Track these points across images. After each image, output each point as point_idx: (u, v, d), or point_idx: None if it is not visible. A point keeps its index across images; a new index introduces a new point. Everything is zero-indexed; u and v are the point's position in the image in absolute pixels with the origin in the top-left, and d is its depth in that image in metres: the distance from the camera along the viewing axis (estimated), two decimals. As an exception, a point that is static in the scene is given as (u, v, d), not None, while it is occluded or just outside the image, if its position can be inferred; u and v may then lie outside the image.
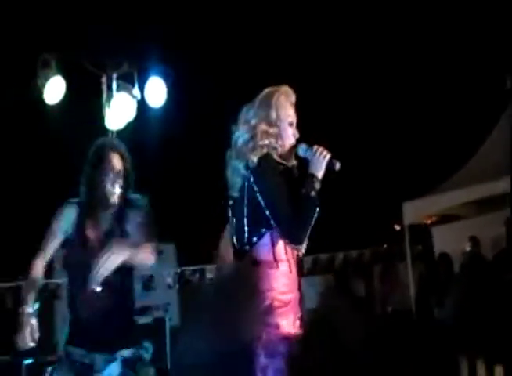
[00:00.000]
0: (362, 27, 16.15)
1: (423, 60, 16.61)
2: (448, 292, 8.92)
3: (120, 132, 5.85)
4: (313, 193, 2.76)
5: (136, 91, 5.59)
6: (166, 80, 5.69)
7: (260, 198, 2.78)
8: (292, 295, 2.78)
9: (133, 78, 5.60)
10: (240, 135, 2.90)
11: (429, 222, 10.79)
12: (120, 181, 3.41)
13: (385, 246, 13.80)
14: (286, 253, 2.80)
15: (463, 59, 15.99)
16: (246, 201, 2.86)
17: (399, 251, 10.93)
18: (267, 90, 2.97)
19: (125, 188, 3.43)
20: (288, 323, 2.73)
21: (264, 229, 2.79)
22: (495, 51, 13.65)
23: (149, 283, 11.76)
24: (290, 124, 2.94)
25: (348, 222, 16.48)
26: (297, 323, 2.79)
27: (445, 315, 8.91)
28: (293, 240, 2.76)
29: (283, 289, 2.76)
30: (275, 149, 2.88)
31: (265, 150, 2.83)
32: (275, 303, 2.72)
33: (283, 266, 2.79)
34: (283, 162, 2.88)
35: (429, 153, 16.46)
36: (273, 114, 2.89)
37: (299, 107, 3.03)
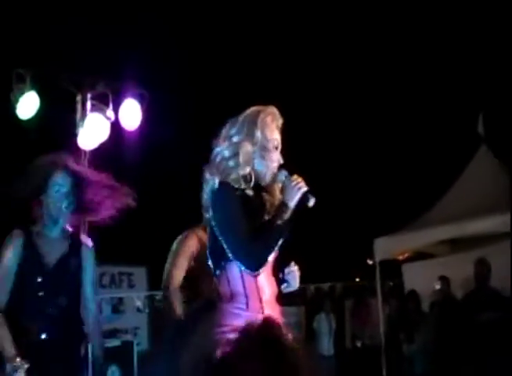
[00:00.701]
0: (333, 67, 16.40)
1: (396, 102, 16.88)
2: (418, 329, 8.92)
3: (92, 152, 5.80)
4: (279, 221, 2.67)
5: (110, 112, 5.55)
6: (141, 103, 5.67)
7: (215, 226, 2.72)
8: None
9: (108, 99, 5.57)
10: (220, 150, 2.79)
11: (401, 258, 10.80)
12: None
13: (357, 280, 13.83)
14: (244, 287, 2.69)
15: (437, 101, 16.27)
16: (208, 232, 2.81)
17: (371, 287, 10.93)
18: (253, 108, 2.86)
19: None
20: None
21: (222, 262, 2.72)
22: (468, 94, 13.93)
23: (118, 306, 11.62)
24: (275, 148, 2.83)
25: (323, 255, 16.50)
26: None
27: (414, 352, 8.91)
28: (247, 265, 2.65)
29: (232, 326, 2.63)
30: (249, 168, 2.78)
31: (233, 175, 2.74)
32: (223, 340, 2.61)
33: (239, 302, 2.69)
34: (243, 187, 2.77)
35: (404, 190, 16.60)
36: (258, 134, 2.78)
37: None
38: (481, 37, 15.53)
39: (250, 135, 2.78)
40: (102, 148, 5.82)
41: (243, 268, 2.66)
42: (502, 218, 7.98)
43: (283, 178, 2.81)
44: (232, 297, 2.69)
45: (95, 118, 5.50)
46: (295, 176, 2.78)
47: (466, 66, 15.87)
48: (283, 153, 2.91)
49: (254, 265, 2.66)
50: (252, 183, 2.80)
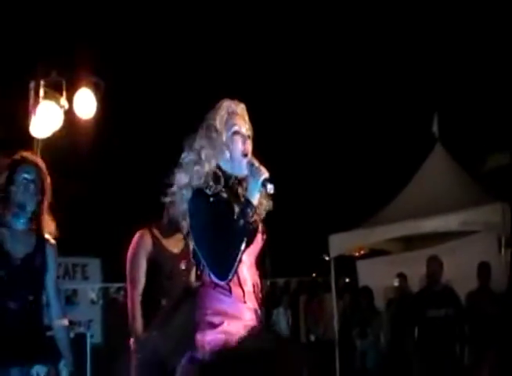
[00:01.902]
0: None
1: (352, 100, 17.02)
2: (370, 325, 9.01)
3: (46, 141, 5.68)
4: (241, 222, 2.63)
5: (64, 100, 5.43)
6: (96, 92, 5.56)
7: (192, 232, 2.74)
8: (225, 319, 2.65)
9: (61, 87, 5.45)
10: (184, 157, 2.81)
11: (357, 254, 10.90)
12: None
13: (314, 275, 13.90)
14: None
15: (392, 101, 16.46)
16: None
17: (326, 282, 11.01)
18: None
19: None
20: (214, 346, 2.60)
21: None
22: (423, 94, 14.15)
23: (72, 297, 11.47)
24: (236, 133, 2.81)
25: (279, 250, 16.48)
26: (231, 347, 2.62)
27: (366, 347, 9.00)
28: (216, 275, 2.67)
29: (214, 310, 2.66)
30: (214, 166, 2.78)
31: (200, 181, 2.74)
32: (202, 323, 2.63)
33: (223, 288, 2.69)
34: (217, 191, 2.74)
35: (359, 187, 16.75)
36: (216, 129, 2.78)
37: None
38: (435, 38, 15.79)
39: (208, 135, 2.79)
40: (55, 137, 5.70)
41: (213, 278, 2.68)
42: (456, 217, 8.11)
43: (249, 167, 2.76)
44: (215, 285, 2.69)
45: (48, 106, 5.38)
46: (256, 163, 2.75)
47: (421, 66, 16.12)
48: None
49: (222, 276, 2.66)
50: (222, 182, 2.78)
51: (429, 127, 9.37)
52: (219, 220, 2.66)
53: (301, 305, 11.86)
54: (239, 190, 2.85)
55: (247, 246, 2.68)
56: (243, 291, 2.71)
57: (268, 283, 12.15)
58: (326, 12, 16.14)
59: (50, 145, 5.72)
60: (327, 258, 9.92)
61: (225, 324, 2.64)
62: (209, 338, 2.61)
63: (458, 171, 9.34)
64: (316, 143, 17.40)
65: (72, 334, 7.93)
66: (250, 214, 2.65)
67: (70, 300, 11.37)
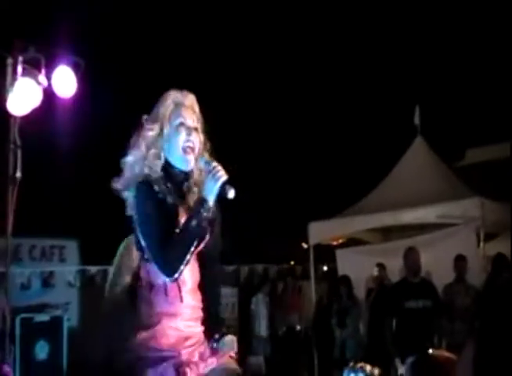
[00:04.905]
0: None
1: (333, 90, 17.02)
2: (349, 314, 9.01)
3: (24, 119, 5.57)
4: (194, 222, 2.55)
5: (42, 78, 5.31)
6: (76, 71, 5.43)
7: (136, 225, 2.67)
8: (162, 318, 2.62)
9: (40, 64, 5.32)
10: (135, 149, 2.73)
11: (335, 243, 10.89)
12: None
13: (292, 263, 13.90)
14: (164, 280, 2.63)
15: (374, 92, 16.50)
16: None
17: (304, 270, 11.02)
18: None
19: None
20: (152, 345, 2.60)
21: (145, 255, 2.68)
22: (405, 86, 14.19)
23: (48, 279, 11.34)
24: (181, 125, 2.71)
25: (257, 237, 16.45)
26: (169, 348, 2.61)
27: (345, 336, 8.99)
28: (163, 272, 2.59)
29: (151, 312, 2.63)
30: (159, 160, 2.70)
31: (146, 170, 2.67)
32: (141, 325, 2.62)
33: (157, 289, 2.65)
34: (158, 189, 2.65)
35: (340, 177, 16.78)
36: (161, 117, 2.72)
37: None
38: (417, 31, 15.85)
39: (152, 127, 2.72)
40: (33, 114, 5.58)
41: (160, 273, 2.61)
42: (435, 209, 8.14)
43: (203, 163, 2.68)
44: (151, 287, 2.65)
45: (27, 83, 5.26)
46: (214, 163, 2.64)
47: (403, 58, 16.16)
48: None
49: (169, 273, 2.59)
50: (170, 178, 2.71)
51: (411, 119, 9.39)
52: (165, 218, 2.60)
53: (278, 293, 11.84)
54: (185, 187, 2.77)
55: (197, 247, 2.63)
56: (180, 291, 2.65)
57: (246, 269, 12.14)
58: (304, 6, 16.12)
59: (28, 122, 5.61)
60: (306, 246, 9.92)
61: (163, 322, 2.62)
62: (146, 336, 2.60)
63: (438, 164, 9.38)
64: (300, 132, 17.38)
65: (48, 317, 7.89)
66: (204, 214, 2.57)
67: (46, 282, 11.27)
